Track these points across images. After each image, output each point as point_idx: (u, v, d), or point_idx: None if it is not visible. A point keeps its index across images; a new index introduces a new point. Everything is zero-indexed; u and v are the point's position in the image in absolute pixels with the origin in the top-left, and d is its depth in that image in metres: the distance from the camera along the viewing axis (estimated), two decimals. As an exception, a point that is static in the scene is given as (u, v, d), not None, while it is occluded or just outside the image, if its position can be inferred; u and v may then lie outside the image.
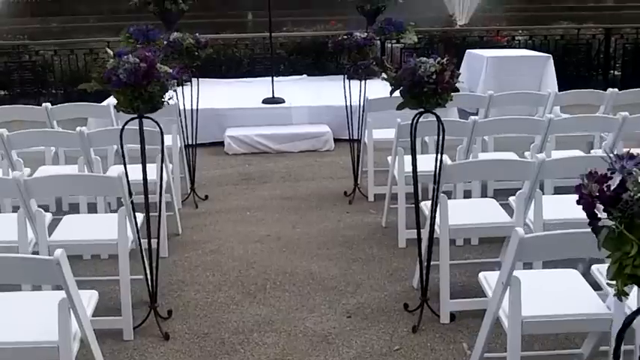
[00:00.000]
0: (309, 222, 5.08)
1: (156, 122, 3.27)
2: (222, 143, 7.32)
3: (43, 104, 5.05)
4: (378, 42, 9.56)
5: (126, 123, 3.25)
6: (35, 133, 4.18)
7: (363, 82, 5.64)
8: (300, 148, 7.23)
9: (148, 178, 3.36)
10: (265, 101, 7.72)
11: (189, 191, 5.61)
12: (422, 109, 3.26)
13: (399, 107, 3.28)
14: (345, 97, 5.73)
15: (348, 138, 6.96)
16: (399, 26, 9.73)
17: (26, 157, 4.65)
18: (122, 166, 3.27)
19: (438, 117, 3.29)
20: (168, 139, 5.45)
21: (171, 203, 4.75)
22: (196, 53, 5.22)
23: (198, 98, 5.69)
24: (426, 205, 3.79)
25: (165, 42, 5.34)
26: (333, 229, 4.91)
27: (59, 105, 5.46)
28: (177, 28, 9.64)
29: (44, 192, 3.39)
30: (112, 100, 4.15)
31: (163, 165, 4.35)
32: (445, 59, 3.18)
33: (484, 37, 10.88)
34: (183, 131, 5.61)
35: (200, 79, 9.77)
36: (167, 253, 4.39)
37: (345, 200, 5.61)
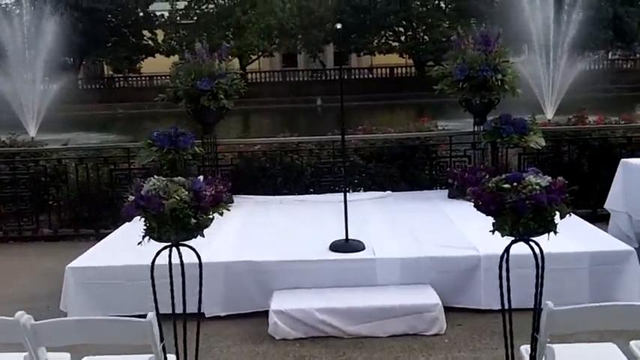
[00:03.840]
0: None
1: None
2: (265, 315, 4.63)
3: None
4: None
5: None
6: None
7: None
8: (391, 331, 4.44)
9: None
10: (335, 248, 5.00)
11: None
12: None
13: None
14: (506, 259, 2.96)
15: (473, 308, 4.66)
16: (521, 126, 6.97)
17: None
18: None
19: None
20: None
21: None
22: (193, 221, 2.59)
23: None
24: None
25: (130, 195, 2.74)
26: None
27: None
28: (211, 125, 7.28)
29: None
30: None
31: None
32: None
33: (632, 138, 7.97)
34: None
35: (243, 198, 7.33)
36: None
37: None
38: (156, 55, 46.39)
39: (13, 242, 7.77)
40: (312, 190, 7.80)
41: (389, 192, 7.22)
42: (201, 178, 3.03)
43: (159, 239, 2.67)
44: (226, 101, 6.96)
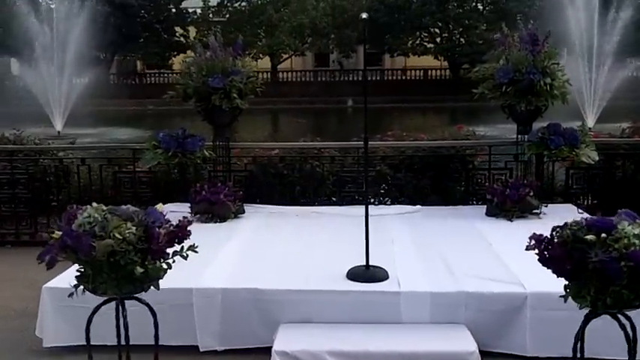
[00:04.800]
0: None
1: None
2: (267, 352, 3.92)
3: None
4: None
5: None
6: None
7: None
8: (417, 381, 3.71)
9: None
10: (353, 276, 4.26)
11: None
12: None
13: None
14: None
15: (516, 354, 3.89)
16: (572, 138, 6.17)
17: None
18: None
19: None
20: None
21: None
22: (140, 269, 1.88)
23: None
24: None
25: (56, 232, 2.04)
26: None
27: None
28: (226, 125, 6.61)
29: None
30: None
31: None
32: None
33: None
34: None
35: (256, 207, 6.49)
36: None
37: None
38: (187, 51, 46.14)
39: (10, 247, 7.20)
40: (334, 199, 7.11)
41: (419, 206, 6.45)
42: (159, 206, 2.27)
43: (94, 292, 1.97)
44: (240, 101, 6.27)
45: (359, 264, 4.33)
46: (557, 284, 3.96)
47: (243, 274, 4.32)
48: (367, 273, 4.24)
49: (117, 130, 29.92)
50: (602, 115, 25.37)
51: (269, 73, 46.21)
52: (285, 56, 47.33)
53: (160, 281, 4.19)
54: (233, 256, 4.71)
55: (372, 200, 6.99)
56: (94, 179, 7.09)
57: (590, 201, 7.19)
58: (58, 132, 27.32)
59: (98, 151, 7.88)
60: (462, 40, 44.65)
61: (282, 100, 41.97)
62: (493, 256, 4.69)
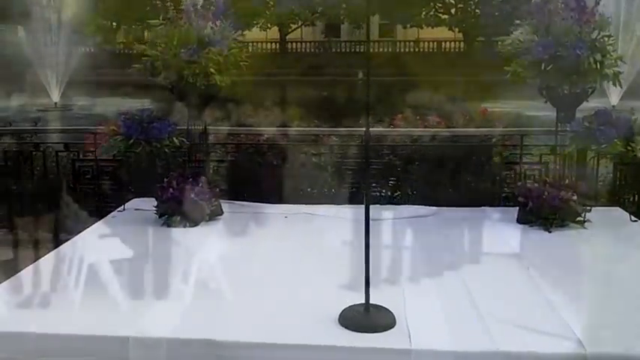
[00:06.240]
0: None
1: None
2: None
3: None
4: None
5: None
6: None
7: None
8: None
9: None
10: (347, 321, 3.14)
11: None
12: None
13: None
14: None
15: None
16: (626, 128, 5.03)
17: None
18: None
19: None
20: None
21: None
22: None
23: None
24: None
25: None
26: None
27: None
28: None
29: None
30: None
31: None
32: None
33: None
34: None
35: (237, 207, 5.04)
36: None
37: None
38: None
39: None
40: (333, 190, 6.05)
41: (434, 208, 5.32)
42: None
43: None
44: (219, 77, 5.13)
45: (356, 301, 3.23)
46: (625, 339, 2.84)
47: (199, 317, 3.22)
48: (366, 318, 3.14)
49: (121, 101, 28.94)
50: (629, 91, 23.95)
51: (277, 44, 44.91)
52: (294, 26, 45.93)
53: (91, 325, 3.10)
54: (191, 286, 3.61)
55: (377, 195, 5.95)
56: (50, 167, 6.02)
57: (636, 199, 6.08)
58: (55, 103, 26.34)
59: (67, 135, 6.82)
60: (477, 11, 43.10)
61: (292, 71, 40.73)
62: (534, 289, 3.59)
